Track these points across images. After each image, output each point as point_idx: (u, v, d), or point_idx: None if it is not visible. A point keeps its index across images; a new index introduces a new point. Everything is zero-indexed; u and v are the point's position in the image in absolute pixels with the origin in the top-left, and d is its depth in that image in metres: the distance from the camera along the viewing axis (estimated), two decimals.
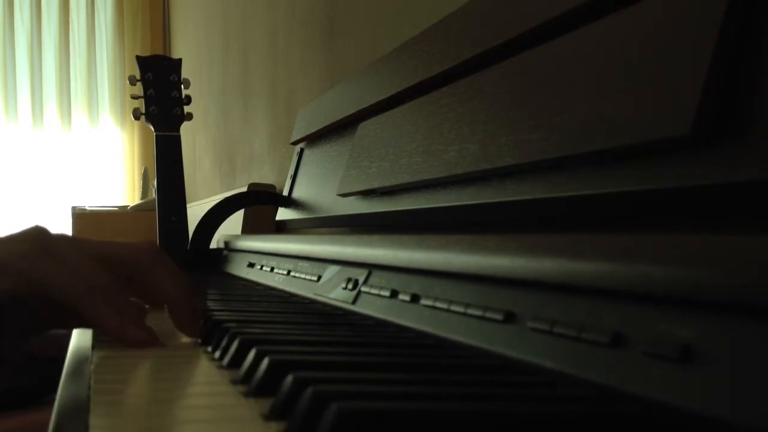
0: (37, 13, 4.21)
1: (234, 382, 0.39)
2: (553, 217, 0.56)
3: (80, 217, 3.30)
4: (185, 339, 0.56)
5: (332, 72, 1.64)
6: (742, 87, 0.41)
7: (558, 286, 0.38)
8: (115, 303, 0.50)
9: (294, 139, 1.44)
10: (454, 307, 0.48)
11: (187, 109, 1.67)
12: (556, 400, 0.32)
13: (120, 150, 4.33)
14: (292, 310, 0.68)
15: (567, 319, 0.37)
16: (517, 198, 0.58)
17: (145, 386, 0.42)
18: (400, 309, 0.55)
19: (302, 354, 0.41)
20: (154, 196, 1.93)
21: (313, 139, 1.35)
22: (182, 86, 1.69)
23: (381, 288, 0.60)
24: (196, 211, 1.71)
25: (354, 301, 0.64)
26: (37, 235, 0.51)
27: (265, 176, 2.21)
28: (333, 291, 0.71)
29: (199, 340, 0.55)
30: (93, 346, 0.51)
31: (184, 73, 1.71)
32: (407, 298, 0.54)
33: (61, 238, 0.52)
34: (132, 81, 1.66)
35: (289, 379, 0.32)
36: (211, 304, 0.70)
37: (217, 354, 0.48)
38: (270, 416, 0.32)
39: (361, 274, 0.66)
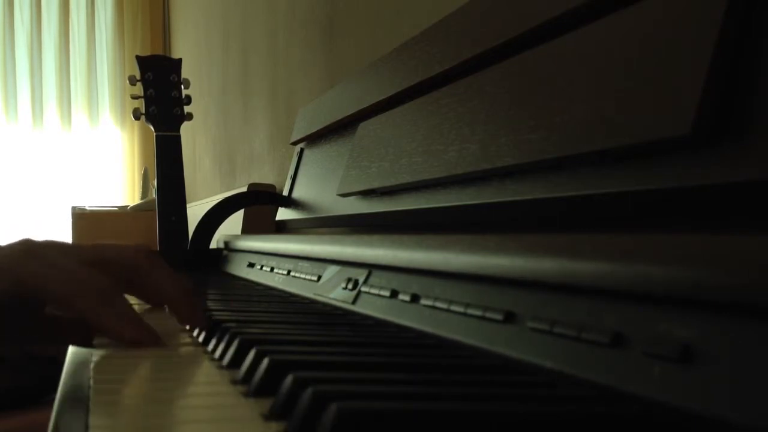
0: (37, 13, 4.21)
1: (234, 382, 0.39)
2: (553, 217, 0.56)
3: (80, 217, 3.29)
4: (185, 339, 0.56)
5: (332, 72, 1.64)
6: (742, 87, 0.41)
7: (558, 286, 0.38)
8: (112, 303, 0.50)
9: (294, 139, 1.44)
10: (454, 307, 0.48)
11: (187, 109, 1.67)
12: (556, 400, 0.32)
13: (120, 150, 4.33)
14: (292, 310, 0.68)
15: (567, 319, 0.37)
16: (517, 198, 0.58)
17: (145, 386, 0.42)
18: (400, 309, 0.55)
19: (302, 354, 0.41)
20: (154, 196, 1.93)
21: (313, 139, 1.35)
22: (182, 86, 1.68)
23: (381, 288, 0.60)
24: (196, 211, 1.71)
25: (354, 301, 0.64)
26: (25, 244, 0.51)
27: (265, 176, 2.21)
28: (333, 291, 0.71)
29: (200, 340, 0.55)
30: (93, 346, 0.51)
31: (184, 73, 1.71)
32: (407, 298, 0.54)
33: (51, 244, 0.52)
34: (132, 81, 1.65)
35: (289, 379, 0.32)
36: (211, 304, 0.70)
37: (217, 354, 0.48)
38: (270, 416, 0.32)
39: (361, 274, 0.66)
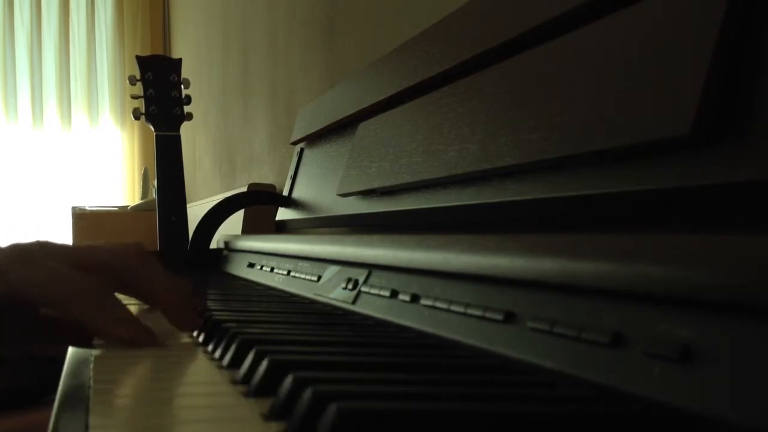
0: (37, 13, 4.21)
1: (234, 382, 0.39)
2: (553, 217, 0.56)
3: (80, 217, 3.29)
4: (185, 339, 0.56)
5: (332, 72, 1.64)
6: (742, 87, 0.41)
7: (558, 286, 0.38)
8: (102, 305, 0.50)
9: (294, 139, 1.44)
10: (454, 307, 0.48)
11: (187, 109, 1.67)
12: (556, 400, 0.32)
13: (120, 150, 4.33)
14: (292, 310, 0.68)
15: (567, 319, 0.37)
16: (517, 198, 0.58)
17: (145, 386, 0.42)
18: (400, 309, 0.55)
19: (302, 354, 0.41)
20: (154, 196, 1.93)
21: (313, 139, 1.35)
22: (182, 86, 1.69)
23: (381, 288, 0.60)
24: (196, 211, 1.71)
25: (354, 301, 0.64)
26: (14, 249, 0.51)
27: (265, 176, 2.21)
28: (333, 291, 0.71)
29: (200, 340, 0.55)
30: (92, 347, 0.51)
31: (184, 73, 1.71)
32: (407, 298, 0.54)
33: (40, 246, 0.52)
34: (132, 81, 1.66)
35: (289, 379, 0.32)
36: (211, 304, 0.70)
37: (217, 354, 0.48)
38: (270, 416, 0.32)
39: (361, 274, 0.66)
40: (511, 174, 0.60)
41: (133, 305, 0.66)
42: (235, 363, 0.43)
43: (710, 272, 0.28)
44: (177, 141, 1.64)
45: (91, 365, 0.44)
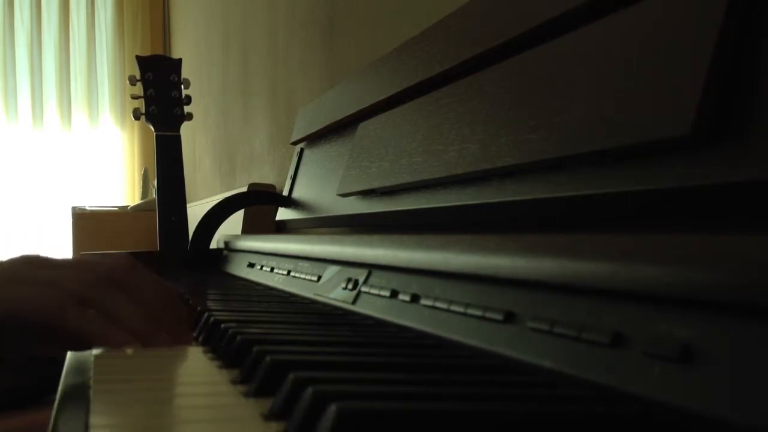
0: (37, 13, 4.21)
1: (234, 382, 0.39)
2: (553, 217, 0.56)
3: (80, 217, 3.29)
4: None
5: (332, 72, 1.64)
6: (742, 87, 0.41)
7: (558, 286, 0.38)
8: (105, 311, 0.50)
9: (294, 139, 1.44)
10: (454, 307, 0.48)
11: (187, 109, 1.67)
12: (556, 400, 0.32)
13: (120, 150, 4.33)
14: (292, 310, 0.68)
15: (567, 319, 0.37)
16: (517, 198, 0.58)
17: (145, 386, 0.42)
18: (400, 309, 0.55)
19: (302, 354, 0.41)
20: (154, 196, 1.93)
21: (313, 139, 1.35)
22: (182, 86, 1.69)
23: (381, 288, 0.60)
24: (196, 211, 1.71)
25: (354, 301, 0.64)
26: (2, 268, 0.51)
27: (265, 176, 2.21)
28: (333, 291, 0.71)
29: (200, 340, 0.55)
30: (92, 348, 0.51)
31: (184, 73, 1.71)
32: (407, 298, 0.54)
33: (26, 260, 0.52)
34: (132, 81, 1.66)
35: (290, 379, 0.32)
36: (211, 304, 0.70)
37: (217, 354, 0.48)
38: (270, 416, 0.32)
39: (361, 274, 0.66)
40: (511, 174, 0.60)
41: None
42: (235, 363, 0.43)
43: (710, 272, 0.28)
44: (177, 141, 1.64)
45: (91, 365, 0.44)
